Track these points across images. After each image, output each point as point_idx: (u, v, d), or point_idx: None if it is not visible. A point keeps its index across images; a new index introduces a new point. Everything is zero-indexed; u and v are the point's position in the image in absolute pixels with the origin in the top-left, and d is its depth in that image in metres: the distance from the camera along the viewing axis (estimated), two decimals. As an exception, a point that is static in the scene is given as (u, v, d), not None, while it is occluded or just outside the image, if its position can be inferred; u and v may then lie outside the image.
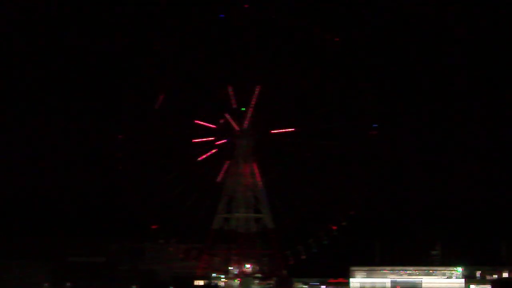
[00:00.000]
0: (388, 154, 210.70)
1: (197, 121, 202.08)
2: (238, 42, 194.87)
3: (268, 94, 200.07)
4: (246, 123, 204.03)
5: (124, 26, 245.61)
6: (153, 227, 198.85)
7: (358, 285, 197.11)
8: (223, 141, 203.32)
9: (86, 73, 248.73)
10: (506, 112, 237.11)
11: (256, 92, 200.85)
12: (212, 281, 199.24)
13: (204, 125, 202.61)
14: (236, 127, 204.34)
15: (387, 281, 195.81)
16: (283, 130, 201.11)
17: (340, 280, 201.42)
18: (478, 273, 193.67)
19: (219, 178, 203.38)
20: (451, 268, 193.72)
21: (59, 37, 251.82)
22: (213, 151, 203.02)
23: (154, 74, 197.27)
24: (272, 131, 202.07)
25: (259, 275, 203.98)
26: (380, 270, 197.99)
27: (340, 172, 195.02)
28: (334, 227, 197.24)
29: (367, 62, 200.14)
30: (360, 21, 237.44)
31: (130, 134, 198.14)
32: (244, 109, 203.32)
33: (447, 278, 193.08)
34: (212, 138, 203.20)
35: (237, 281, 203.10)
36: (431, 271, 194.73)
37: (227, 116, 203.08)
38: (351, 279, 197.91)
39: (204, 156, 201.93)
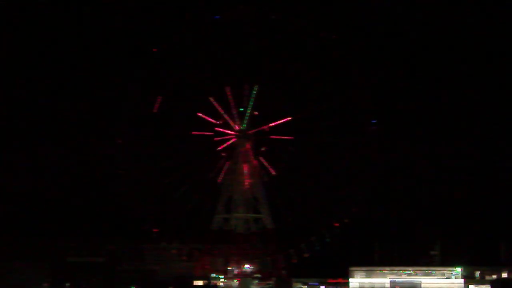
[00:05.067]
0: (387, 150, 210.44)
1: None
2: (234, 42, 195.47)
3: (266, 94, 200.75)
4: (244, 123, 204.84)
5: (120, 28, 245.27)
6: (154, 230, 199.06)
7: (358, 285, 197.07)
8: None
9: (84, 75, 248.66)
10: (506, 111, 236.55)
11: (254, 92, 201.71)
12: (211, 281, 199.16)
13: (206, 119, 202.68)
14: (235, 127, 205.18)
15: (386, 281, 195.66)
16: (280, 121, 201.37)
17: (340, 280, 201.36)
18: (477, 273, 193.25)
19: (219, 179, 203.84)
20: (450, 268, 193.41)
21: (56, 40, 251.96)
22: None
23: (152, 77, 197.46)
24: (272, 136, 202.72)
25: (258, 275, 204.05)
26: (380, 270, 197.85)
27: (341, 169, 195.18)
28: (336, 224, 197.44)
29: (365, 59, 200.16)
30: (357, 18, 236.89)
31: (128, 138, 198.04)
32: (242, 109, 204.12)
33: (447, 278, 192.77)
34: (211, 134, 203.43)
35: (236, 282, 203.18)
36: (430, 271, 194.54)
37: (226, 117, 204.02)
38: (350, 279, 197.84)
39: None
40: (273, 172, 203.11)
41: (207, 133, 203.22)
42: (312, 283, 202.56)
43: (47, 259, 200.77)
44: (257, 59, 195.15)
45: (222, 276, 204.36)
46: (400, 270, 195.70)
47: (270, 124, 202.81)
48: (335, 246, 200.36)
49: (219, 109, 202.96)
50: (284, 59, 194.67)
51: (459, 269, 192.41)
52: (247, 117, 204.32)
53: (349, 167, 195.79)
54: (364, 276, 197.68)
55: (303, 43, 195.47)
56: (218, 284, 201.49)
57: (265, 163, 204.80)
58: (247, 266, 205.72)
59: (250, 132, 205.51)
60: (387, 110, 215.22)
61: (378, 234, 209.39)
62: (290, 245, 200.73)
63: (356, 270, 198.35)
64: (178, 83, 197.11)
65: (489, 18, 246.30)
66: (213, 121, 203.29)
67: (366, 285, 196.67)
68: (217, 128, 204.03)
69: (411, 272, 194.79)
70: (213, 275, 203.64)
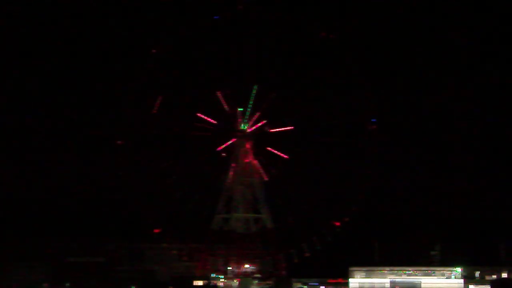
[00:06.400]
0: (387, 149, 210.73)
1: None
2: (234, 42, 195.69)
3: (266, 94, 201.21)
4: (244, 123, 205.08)
5: (120, 29, 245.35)
6: (155, 231, 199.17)
7: (357, 285, 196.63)
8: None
9: (84, 76, 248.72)
10: (506, 111, 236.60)
11: (254, 92, 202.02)
12: (211, 281, 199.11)
13: (206, 119, 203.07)
14: (235, 127, 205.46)
15: (386, 281, 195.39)
16: (282, 129, 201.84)
17: (340, 280, 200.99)
18: (477, 274, 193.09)
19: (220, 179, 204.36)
20: (450, 269, 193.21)
21: (57, 41, 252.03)
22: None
23: (151, 77, 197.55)
24: (271, 130, 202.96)
25: (258, 275, 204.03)
26: (379, 270, 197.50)
27: (341, 168, 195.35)
28: (337, 224, 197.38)
29: (364, 58, 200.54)
30: (356, 16, 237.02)
31: (129, 138, 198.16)
32: (242, 109, 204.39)
33: (447, 278, 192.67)
34: (210, 134, 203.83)
35: (236, 282, 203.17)
36: (430, 272, 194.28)
37: (226, 115, 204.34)
38: (350, 279, 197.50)
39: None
40: (273, 172, 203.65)
41: (207, 134, 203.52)
42: (312, 283, 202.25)
43: (47, 259, 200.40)
44: (257, 59, 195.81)
45: (222, 276, 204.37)
46: (400, 270, 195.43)
47: (271, 130, 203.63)
48: (335, 246, 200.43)
49: (224, 105, 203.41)
50: (283, 59, 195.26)
51: (459, 269, 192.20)
52: (247, 117, 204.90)
53: (349, 166, 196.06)
54: (364, 276, 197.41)
55: (301, 42, 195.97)
56: (218, 284, 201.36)
57: (265, 163, 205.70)
58: (247, 266, 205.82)
59: (249, 131, 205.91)
60: (387, 109, 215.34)
61: (378, 234, 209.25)
62: (291, 245, 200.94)
63: (356, 270, 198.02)
64: (178, 83, 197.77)
65: (491, 18, 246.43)
66: (212, 121, 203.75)
67: (366, 285, 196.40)
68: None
69: (411, 272, 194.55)
70: (213, 275, 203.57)
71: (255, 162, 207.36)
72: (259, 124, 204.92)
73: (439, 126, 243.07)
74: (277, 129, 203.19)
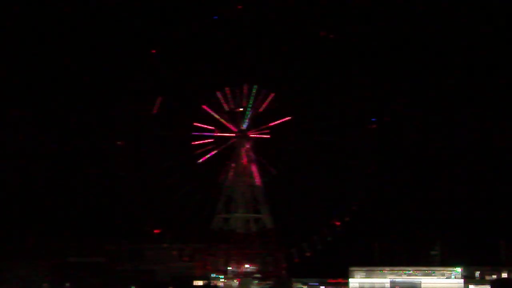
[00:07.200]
0: (387, 148, 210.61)
1: (196, 124, 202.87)
2: (233, 42, 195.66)
3: (265, 93, 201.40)
4: (244, 123, 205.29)
5: (120, 29, 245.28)
6: (156, 231, 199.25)
7: (357, 285, 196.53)
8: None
9: (83, 76, 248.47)
10: (507, 111, 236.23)
11: (254, 92, 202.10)
12: (211, 281, 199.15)
13: (203, 127, 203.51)
14: (235, 128, 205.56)
15: (386, 281, 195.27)
16: (281, 120, 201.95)
17: (340, 280, 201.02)
18: (477, 273, 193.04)
19: (220, 179, 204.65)
20: (450, 268, 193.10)
21: (56, 41, 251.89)
22: (213, 153, 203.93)
23: (151, 78, 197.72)
24: (271, 124, 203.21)
25: (258, 275, 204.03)
26: (380, 270, 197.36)
27: (341, 168, 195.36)
28: (337, 223, 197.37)
29: (364, 57, 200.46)
30: (356, 16, 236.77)
31: (129, 140, 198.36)
32: (242, 109, 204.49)
33: (447, 278, 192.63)
34: (212, 140, 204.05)
35: (236, 282, 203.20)
36: (430, 271, 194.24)
37: (225, 117, 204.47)
38: (350, 279, 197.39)
39: (204, 158, 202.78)
40: (273, 171, 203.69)
41: (207, 141, 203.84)
42: (312, 283, 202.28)
43: (47, 258, 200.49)
44: (257, 59, 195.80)
45: (222, 276, 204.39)
46: (400, 270, 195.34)
47: (270, 124, 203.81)
48: (335, 246, 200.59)
49: (224, 105, 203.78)
50: (283, 59, 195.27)
51: (459, 269, 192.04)
52: (247, 117, 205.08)
53: (349, 166, 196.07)
54: (364, 276, 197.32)
55: (301, 42, 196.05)
56: (218, 284, 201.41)
57: (265, 163, 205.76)
58: (247, 266, 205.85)
59: (249, 132, 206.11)
60: (387, 108, 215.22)
61: (378, 234, 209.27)
62: (291, 245, 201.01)
63: (356, 270, 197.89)
64: (178, 83, 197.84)
65: (492, 18, 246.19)
66: (210, 127, 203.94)
67: (366, 285, 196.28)
68: (216, 134, 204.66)
69: (411, 272, 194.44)
70: (213, 275, 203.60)
71: (255, 162, 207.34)
72: (259, 124, 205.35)
73: (439, 125, 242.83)
74: (276, 122, 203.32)
